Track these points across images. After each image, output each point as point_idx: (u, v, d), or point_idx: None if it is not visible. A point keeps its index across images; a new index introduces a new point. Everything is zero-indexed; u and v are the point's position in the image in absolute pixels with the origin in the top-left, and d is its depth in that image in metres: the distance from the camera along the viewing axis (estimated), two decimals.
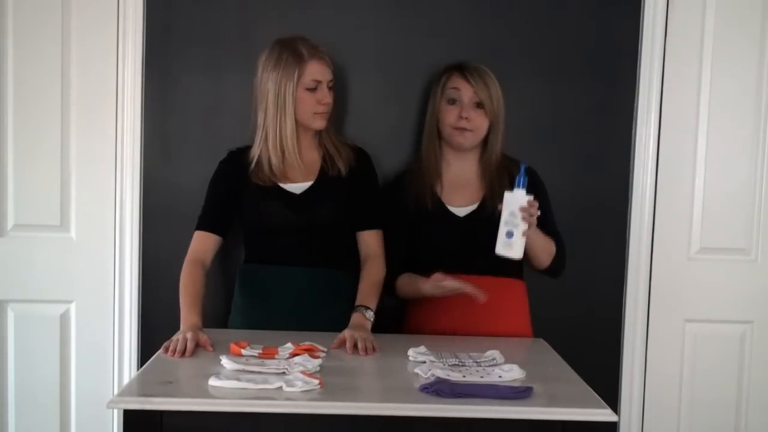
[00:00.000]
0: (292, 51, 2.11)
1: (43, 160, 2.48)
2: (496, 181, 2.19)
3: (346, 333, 1.95)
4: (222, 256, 2.34)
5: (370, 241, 2.23)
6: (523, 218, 1.95)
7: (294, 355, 1.77)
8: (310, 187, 2.19)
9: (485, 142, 2.22)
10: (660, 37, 2.50)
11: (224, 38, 2.44)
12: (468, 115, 2.15)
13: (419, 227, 2.20)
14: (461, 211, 2.20)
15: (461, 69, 2.19)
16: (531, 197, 1.96)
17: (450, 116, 2.18)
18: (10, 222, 2.50)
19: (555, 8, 2.49)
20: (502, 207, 1.97)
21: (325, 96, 2.14)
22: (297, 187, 2.19)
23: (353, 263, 2.26)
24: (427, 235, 2.20)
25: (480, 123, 2.17)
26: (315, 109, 2.14)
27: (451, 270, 2.07)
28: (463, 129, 2.16)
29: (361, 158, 2.27)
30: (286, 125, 2.12)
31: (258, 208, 2.18)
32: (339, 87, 2.45)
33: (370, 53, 2.47)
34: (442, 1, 2.47)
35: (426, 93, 2.38)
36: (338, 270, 2.23)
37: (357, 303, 2.11)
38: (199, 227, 2.20)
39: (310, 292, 2.18)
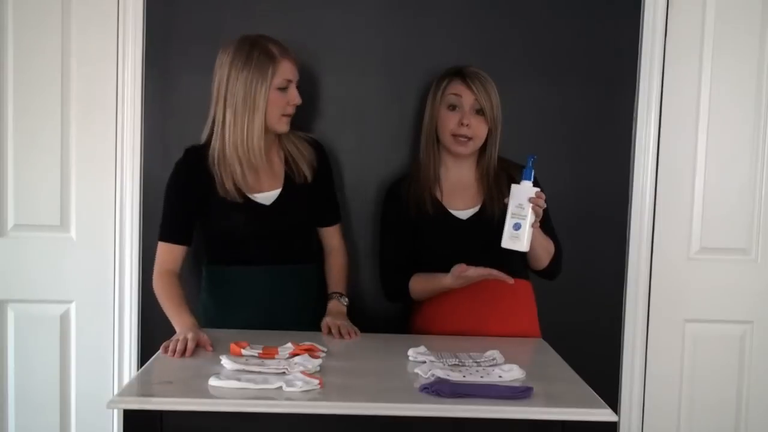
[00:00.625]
0: (262, 49, 2.06)
1: (43, 160, 2.48)
2: (494, 185, 2.18)
3: (328, 321, 2.10)
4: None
5: (334, 235, 2.32)
6: (532, 209, 1.94)
7: (294, 355, 1.77)
8: (279, 196, 2.16)
9: (483, 149, 2.20)
10: (660, 38, 2.50)
11: (224, 38, 2.43)
12: (469, 122, 2.13)
13: (422, 232, 2.18)
14: (463, 214, 2.18)
15: (462, 74, 2.16)
16: (538, 189, 1.96)
17: (450, 122, 2.14)
18: (10, 222, 2.50)
19: (555, 9, 2.49)
20: (508, 200, 1.97)
21: (295, 96, 2.11)
22: (266, 197, 2.15)
23: (317, 256, 2.32)
24: (430, 239, 2.18)
25: (480, 130, 2.15)
26: (284, 110, 2.10)
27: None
28: (464, 138, 2.13)
29: (320, 155, 2.26)
30: (254, 125, 2.06)
31: (226, 220, 2.13)
32: (339, 88, 2.46)
33: (369, 54, 2.47)
34: (442, 3, 2.47)
35: (426, 95, 2.39)
36: (305, 264, 2.25)
37: (331, 290, 2.25)
38: (163, 238, 2.13)
39: (281, 289, 2.18)
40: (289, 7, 2.45)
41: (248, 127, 2.06)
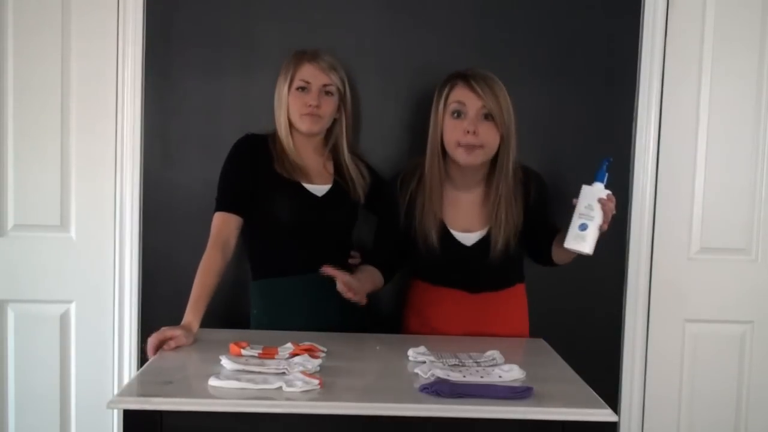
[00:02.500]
0: (295, 56, 2.20)
1: (44, 160, 2.47)
2: (505, 205, 2.04)
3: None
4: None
5: None
6: (603, 212, 1.85)
7: (294, 355, 1.77)
8: (330, 191, 2.21)
9: (494, 161, 2.05)
10: (660, 38, 2.50)
11: (224, 39, 2.44)
12: (475, 129, 1.96)
13: (423, 250, 2.09)
14: (468, 239, 2.09)
15: (465, 78, 2.00)
16: (610, 192, 1.87)
17: (455, 132, 1.98)
18: (11, 222, 2.50)
19: (555, 10, 2.49)
20: (577, 200, 1.89)
21: (313, 98, 2.15)
22: (318, 189, 2.20)
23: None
24: (430, 260, 2.09)
25: (489, 137, 1.98)
26: (301, 110, 2.16)
27: (450, 285, 2.11)
28: (471, 146, 1.97)
29: (376, 181, 2.32)
30: (281, 122, 2.19)
31: (281, 203, 2.16)
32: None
33: (369, 55, 2.46)
34: (442, 3, 2.47)
35: (425, 96, 2.39)
36: (348, 269, 2.23)
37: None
38: (220, 208, 2.14)
39: (328, 296, 2.11)
40: (289, 8, 2.45)
41: (278, 123, 2.21)
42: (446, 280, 2.12)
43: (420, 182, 2.09)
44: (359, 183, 2.26)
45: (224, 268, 2.07)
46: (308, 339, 1.89)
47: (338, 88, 2.22)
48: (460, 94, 2.00)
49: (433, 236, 2.05)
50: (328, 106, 2.19)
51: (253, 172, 2.16)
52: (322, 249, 2.16)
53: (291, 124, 2.19)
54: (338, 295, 2.13)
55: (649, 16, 2.49)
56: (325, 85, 2.18)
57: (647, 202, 2.54)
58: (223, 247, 2.09)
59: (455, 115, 2.00)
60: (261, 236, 2.20)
